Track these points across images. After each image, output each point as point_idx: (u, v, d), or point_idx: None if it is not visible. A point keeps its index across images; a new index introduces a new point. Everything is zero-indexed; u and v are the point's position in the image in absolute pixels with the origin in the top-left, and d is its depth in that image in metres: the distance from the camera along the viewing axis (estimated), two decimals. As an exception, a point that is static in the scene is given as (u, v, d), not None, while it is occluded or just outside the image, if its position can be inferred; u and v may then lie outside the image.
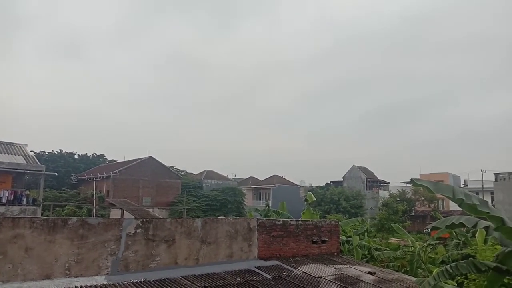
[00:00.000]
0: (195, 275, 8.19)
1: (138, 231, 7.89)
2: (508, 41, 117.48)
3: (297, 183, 75.51)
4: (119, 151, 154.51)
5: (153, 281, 7.45)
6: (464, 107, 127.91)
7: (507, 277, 10.05)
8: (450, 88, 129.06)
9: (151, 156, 53.06)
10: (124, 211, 35.78)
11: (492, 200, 49.59)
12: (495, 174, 51.79)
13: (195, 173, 66.39)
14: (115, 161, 63.64)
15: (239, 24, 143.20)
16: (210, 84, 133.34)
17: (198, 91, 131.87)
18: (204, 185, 59.56)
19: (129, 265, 7.61)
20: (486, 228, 9.48)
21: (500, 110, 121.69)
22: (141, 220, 8.17)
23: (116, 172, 48.22)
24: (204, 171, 66.42)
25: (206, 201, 52.89)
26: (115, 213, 38.31)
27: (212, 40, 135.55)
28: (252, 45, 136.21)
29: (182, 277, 7.93)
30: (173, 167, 57.80)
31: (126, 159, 56.52)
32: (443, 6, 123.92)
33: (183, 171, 61.61)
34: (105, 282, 7.01)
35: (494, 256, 10.41)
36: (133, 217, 20.67)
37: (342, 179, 70.53)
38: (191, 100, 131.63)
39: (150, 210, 42.90)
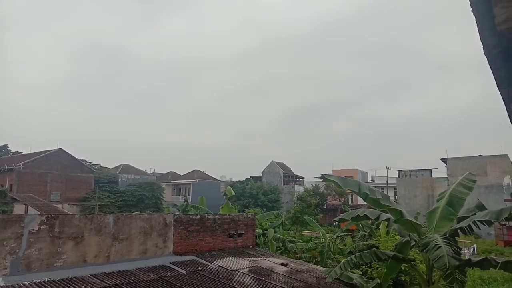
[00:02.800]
0: (105, 273, 7.89)
1: (42, 227, 7.38)
2: (415, 48, 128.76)
3: (218, 178, 75.72)
4: (25, 143, 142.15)
5: (58, 280, 7.03)
6: (373, 108, 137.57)
7: (404, 264, 11.13)
8: (362, 90, 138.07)
9: (61, 148, 49.61)
10: (29, 207, 33.16)
11: (395, 194, 54.19)
12: (398, 171, 56.75)
13: (110, 167, 63.34)
14: (20, 152, 58.50)
15: (164, 17, 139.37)
16: (130, 75, 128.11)
17: (117, 82, 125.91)
18: (120, 180, 57.05)
19: (31, 264, 7.11)
20: (387, 220, 10.39)
21: (404, 112, 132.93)
22: (46, 216, 7.66)
23: (20, 165, 44.34)
24: (120, 165, 63.60)
25: (122, 196, 50.83)
26: (18, 209, 35.35)
27: (135, 31, 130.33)
28: (177, 39, 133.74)
29: (91, 275, 7.59)
30: (85, 160, 54.65)
31: (33, 151, 52.20)
32: (359, 12, 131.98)
33: (96, 165, 58.54)
34: (1, 284, 6.48)
35: (393, 246, 11.43)
36: (39, 213, 19.21)
37: (261, 174, 72.14)
38: (110, 91, 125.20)
39: (59, 206, 40.22)
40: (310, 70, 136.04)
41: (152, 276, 8.28)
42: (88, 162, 55.47)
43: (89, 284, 7.08)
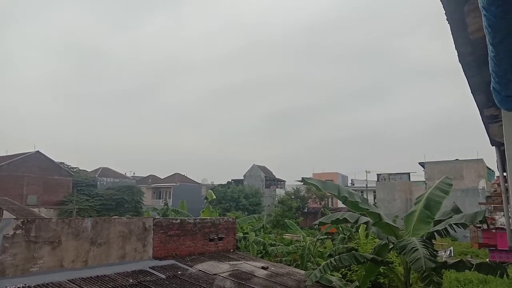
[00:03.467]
0: (83, 278, 7.76)
1: (17, 232, 7.22)
2: (395, 53, 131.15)
3: (199, 181, 75.27)
4: (1, 145, 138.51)
5: (34, 286, 6.88)
6: (354, 112, 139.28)
7: (382, 266, 11.29)
8: (343, 94, 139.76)
9: (38, 151, 48.52)
10: (4, 211, 32.19)
11: (375, 198, 54.91)
12: (377, 174, 57.51)
13: (89, 170, 62.24)
14: (-5, 155, 56.85)
15: (145, 17, 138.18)
16: (110, 76, 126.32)
17: (96, 83, 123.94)
18: (98, 183, 56.16)
19: (5, 270, 6.93)
20: (366, 223, 10.54)
21: (384, 116, 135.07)
22: (22, 220, 7.49)
23: (-5, 168, 43.18)
24: (99, 168, 62.61)
25: (101, 200, 49.99)
26: (-8, 214, 34.27)
27: (114, 31, 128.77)
28: (158, 40, 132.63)
29: (68, 280, 7.45)
30: (63, 163, 53.56)
31: (9, 153, 50.86)
32: (340, 18, 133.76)
33: (75, 167, 57.40)
34: (-26, 291, 6.31)
35: (372, 249, 11.58)
36: (14, 217, 18.73)
37: (243, 178, 72.06)
38: (88, 93, 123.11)
39: (36, 209, 39.22)
40: (291, 74, 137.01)
41: (131, 281, 8.17)
42: (66, 165, 54.39)
43: (66, 290, 6.94)
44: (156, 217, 13.13)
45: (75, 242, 8.19)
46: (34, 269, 7.37)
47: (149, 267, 9.44)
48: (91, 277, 7.91)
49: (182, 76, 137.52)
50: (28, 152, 48.21)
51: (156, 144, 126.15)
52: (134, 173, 76.17)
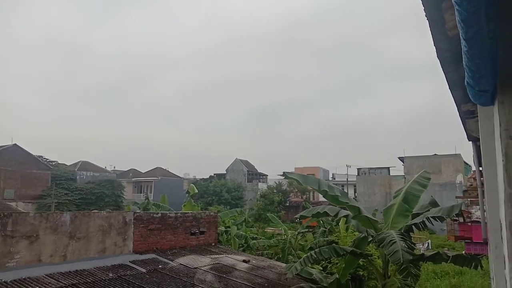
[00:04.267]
0: (61, 272, 7.66)
1: (-7, 227, 7.07)
2: (375, 50, 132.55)
3: (181, 175, 74.76)
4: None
5: (10, 281, 6.76)
6: (335, 108, 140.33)
7: (362, 259, 11.46)
8: (325, 90, 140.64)
9: (15, 144, 47.36)
10: (-20, 205, 31.40)
11: (355, 192, 55.61)
12: (358, 169, 58.24)
13: (68, 164, 61.15)
14: (-30, 148, 55.26)
15: (126, 12, 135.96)
16: (90, 71, 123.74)
17: (76, 77, 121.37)
18: (78, 177, 55.22)
19: (-19, 266, 6.79)
20: (346, 216, 10.66)
21: (364, 112, 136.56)
22: (-2, 215, 7.34)
23: (-30, 161, 42.05)
24: (79, 162, 61.52)
25: (80, 194, 49.20)
26: (-33, 209, 33.43)
27: (95, 25, 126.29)
28: (138, 35, 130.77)
29: (46, 275, 7.34)
30: (42, 156, 52.46)
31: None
32: (322, 15, 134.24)
33: (54, 161, 56.30)
34: None
35: (351, 242, 11.75)
36: (-10, 212, 18.31)
37: (225, 172, 71.93)
38: (67, 87, 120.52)
39: (13, 204, 38.37)
40: (273, 70, 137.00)
41: (111, 275, 8.11)
42: (44, 158, 53.29)
43: (44, 285, 6.84)
44: (137, 211, 13.03)
45: (53, 236, 8.07)
46: (11, 264, 7.24)
47: (130, 261, 9.38)
48: (70, 271, 7.81)
49: (164, 71, 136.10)
50: (5, 145, 47.04)
51: (137, 139, 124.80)
52: (114, 167, 75.19)
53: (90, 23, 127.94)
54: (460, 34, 1.32)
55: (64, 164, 59.19)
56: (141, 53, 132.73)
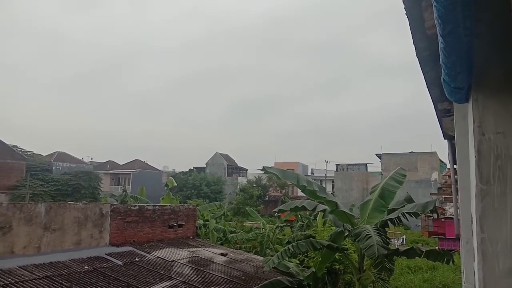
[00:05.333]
0: (35, 264, 7.51)
1: (-36, 217, 6.87)
2: (356, 48, 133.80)
3: (160, 168, 74.10)
4: None
5: (-19, 273, 6.59)
6: (316, 104, 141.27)
7: (338, 253, 11.62)
8: (306, 86, 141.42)
9: (-12, 133, 46.01)
10: (-50, 196, 30.47)
11: (333, 187, 56.26)
12: (336, 165, 58.95)
13: (44, 155, 59.79)
14: None
15: (106, 1, 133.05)
16: (66, 59, 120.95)
17: (53, 66, 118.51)
18: (54, 168, 54.04)
19: (-50, 257, 6.60)
20: (324, 211, 10.78)
21: (344, 108, 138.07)
22: (-31, 205, 7.13)
23: None
24: (55, 152, 60.21)
25: (56, 185, 48.15)
26: None
27: (74, 13, 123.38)
28: (118, 25, 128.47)
29: (20, 267, 7.19)
30: (16, 146, 51.06)
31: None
32: (305, 11, 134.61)
33: (29, 151, 54.91)
34: None
35: (328, 236, 11.90)
36: (-39, 202, 17.78)
37: (205, 165, 71.66)
38: (44, 75, 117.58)
39: (-15, 194, 37.37)
40: (255, 65, 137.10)
41: (87, 267, 8.00)
42: (19, 148, 51.89)
43: (17, 277, 6.70)
44: (114, 203, 12.86)
45: (27, 227, 7.90)
46: (-18, 255, 7.06)
47: (106, 254, 9.27)
48: (44, 263, 7.66)
49: (144, 62, 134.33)
50: (-23, 134, 45.65)
51: (116, 130, 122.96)
52: (92, 159, 73.90)
53: (70, 11, 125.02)
54: (437, 30, 1.35)
55: (39, 154, 57.86)
56: (120, 43, 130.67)
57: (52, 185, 48.26)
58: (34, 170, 48.82)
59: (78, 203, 10.05)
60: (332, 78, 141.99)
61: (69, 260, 8.23)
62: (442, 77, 1.81)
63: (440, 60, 1.60)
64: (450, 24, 1.26)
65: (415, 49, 3.64)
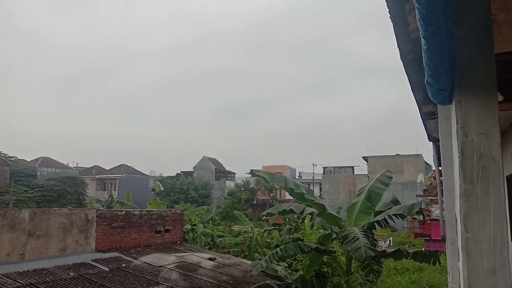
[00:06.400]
0: (19, 271, 7.35)
1: None
2: (344, 50, 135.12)
3: (147, 173, 73.52)
4: None
5: (-37, 282, 6.44)
6: (303, 106, 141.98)
7: (326, 256, 11.66)
8: (293, 88, 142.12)
9: (-30, 139, 45.16)
10: None
11: (320, 190, 56.53)
12: (323, 167, 59.28)
13: (28, 160, 58.87)
14: None
15: (92, 2, 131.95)
16: (50, 63, 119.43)
17: (36, 69, 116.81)
18: (39, 173, 53.22)
19: None
20: (311, 214, 10.81)
21: (331, 111, 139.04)
22: (-50, 212, 6.97)
23: None
24: (40, 157, 59.34)
25: (41, 191, 47.40)
26: None
27: (57, 15, 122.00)
28: (103, 27, 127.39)
29: (3, 275, 7.03)
30: (0, 151, 50.22)
31: None
32: (293, 13, 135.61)
33: (13, 157, 54.00)
34: None
35: (316, 239, 11.93)
36: None
37: (192, 170, 71.35)
38: (27, 78, 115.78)
39: (-33, 201, 36.58)
40: (243, 67, 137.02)
41: (72, 274, 7.87)
42: (3, 153, 51.01)
43: (0, 285, 6.55)
44: (100, 209, 12.70)
45: (10, 234, 7.74)
46: (-37, 263, 6.90)
47: (92, 260, 9.14)
48: (28, 270, 7.52)
49: (129, 64, 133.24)
50: (-41, 140, 44.75)
51: (101, 134, 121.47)
52: (77, 164, 72.94)
53: (56, 14, 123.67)
54: (420, 32, 1.37)
55: (24, 160, 56.91)
56: (105, 46, 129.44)
57: (36, 191, 47.49)
58: (18, 175, 48.01)
59: (63, 208, 9.90)
60: (320, 79, 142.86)
61: (54, 266, 8.08)
62: (425, 79, 1.84)
63: (424, 62, 1.62)
64: (432, 25, 1.28)
65: (400, 52, 3.69)
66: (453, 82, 1.82)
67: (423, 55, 1.57)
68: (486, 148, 1.78)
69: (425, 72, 1.75)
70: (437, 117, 5.48)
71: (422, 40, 1.41)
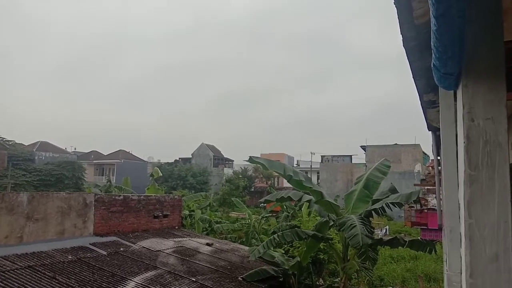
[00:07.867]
0: (17, 254, 7.38)
1: None
2: (343, 41, 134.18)
3: (145, 159, 73.49)
4: None
5: (-39, 263, 6.45)
6: (302, 96, 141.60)
7: (322, 243, 11.73)
8: (292, 78, 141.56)
9: (-32, 122, 44.95)
10: None
11: (318, 178, 56.70)
12: (321, 156, 59.39)
13: (26, 144, 58.70)
14: None
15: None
16: (49, 49, 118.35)
17: (36, 55, 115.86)
18: (37, 157, 53.15)
19: None
20: (309, 201, 10.84)
21: (330, 101, 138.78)
22: None
23: None
24: (38, 142, 59.19)
25: (39, 175, 47.38)
26: None
27: (61, 3, 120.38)
28: (102, 14, 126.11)
29: (1, 257, 7.05)
30: (-3, 136, 50.03)
31: None
32: (292, 4, 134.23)
33: (11, 141, 53.81)
34: None
35: (313, 226, 11.99)
36: None
37: (191, 156, 71.34)
38: (27, 64, 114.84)
39: (-35, 184, 36.58)
40: (242, 57, 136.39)
41: (70, 257, 7.90)
42: (0, 137, 50.86)
43: (-2, 267, 6.57)
44: (98, 193, 12.71)
45: (9, 217, 7.75)
46: (-38, 245, 6.91)
47: (90, 244, 9.17)
48: (26, 253, 7.54)
49: (130, 52, 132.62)
50: (-44, 123, 44.54)
51: (100, 120, 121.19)
52: (75, 149, 72.81)
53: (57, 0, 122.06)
54: (431, 11, 1.33)
55: (22, 144, 56.79)
56: (105, 33, 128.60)
57: (34, 175, 47.50)
58: (16, 159, 47.94)
59: (61, 192, 9.89)
60: (319, 70, 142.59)
61: (52, 250, 8.11)
62: (432, 63, 1.80)
63: (432, 44, 1.59)
64: (443, 3, 1.25)
65: (403, 39, 3.63)
66: (460, 67, 1.79)
67: (432, 37, 1.53)
68: (492, 133, 1.76)
69: (433, 55, 1.72)
70: (438, 106, 5.45)
71: (432, 20, 1.37)
